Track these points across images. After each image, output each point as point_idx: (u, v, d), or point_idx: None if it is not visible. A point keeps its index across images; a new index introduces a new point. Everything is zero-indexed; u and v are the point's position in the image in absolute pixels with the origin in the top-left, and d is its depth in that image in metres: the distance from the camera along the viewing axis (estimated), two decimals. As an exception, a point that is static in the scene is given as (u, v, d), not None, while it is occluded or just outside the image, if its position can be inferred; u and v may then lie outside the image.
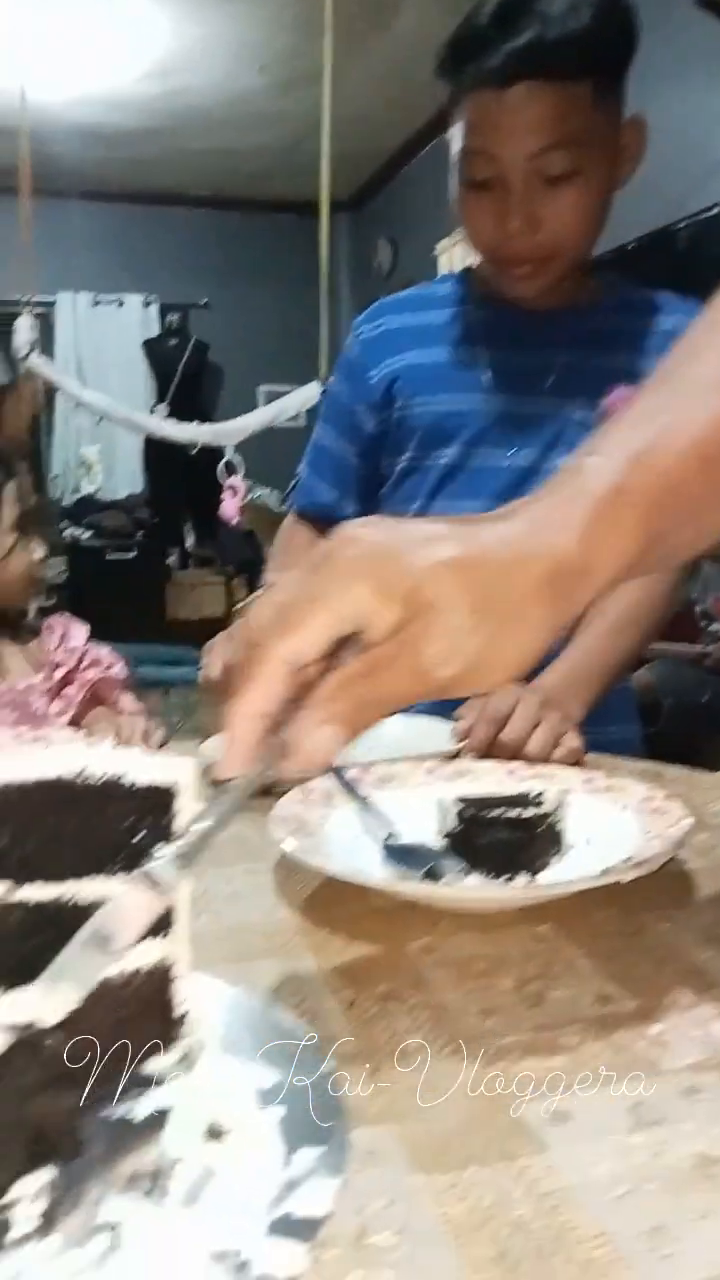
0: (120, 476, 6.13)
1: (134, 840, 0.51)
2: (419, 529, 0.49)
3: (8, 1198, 0.41)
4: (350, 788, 0.77)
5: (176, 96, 4.92)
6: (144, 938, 0.52)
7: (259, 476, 5.36)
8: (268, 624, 0.47)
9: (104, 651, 1.32)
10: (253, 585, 6.30)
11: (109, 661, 1.30)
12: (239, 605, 6.10)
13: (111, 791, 0.50)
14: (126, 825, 0.50)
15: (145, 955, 0.52)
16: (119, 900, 0.47)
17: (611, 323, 1.21)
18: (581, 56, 1.03)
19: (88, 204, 5.84)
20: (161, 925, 0.53)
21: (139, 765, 0.51)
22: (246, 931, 0.66)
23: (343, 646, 0.47)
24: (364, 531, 0.48)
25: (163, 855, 0.49)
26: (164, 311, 6.29)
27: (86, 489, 5.48)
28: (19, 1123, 0.42)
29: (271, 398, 5.96)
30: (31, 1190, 0.42)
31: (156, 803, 0.51)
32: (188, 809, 0.53)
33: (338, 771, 0.79)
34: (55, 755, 0.49)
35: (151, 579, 5.95)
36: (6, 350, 4.51)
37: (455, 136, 1.10)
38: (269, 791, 0.97)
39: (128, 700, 1.31)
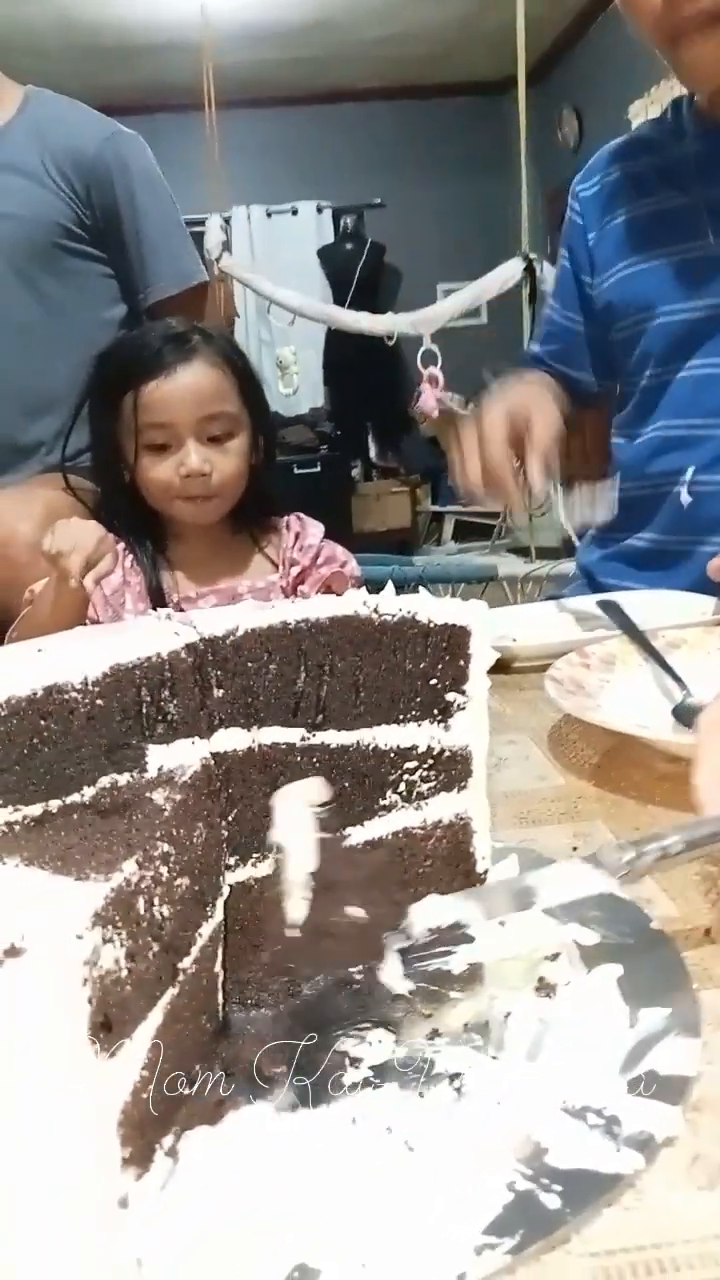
0: (302, 391, 6.13)
1: (429, 683, 0.47)
2: None
3: (342, 1048, 0.39)
4: (650, 646, 0.71)
5: (344, -18, 4.73)
6: (441, 791, 0.49)
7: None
8: None
9: (338, 549, 1.30)
10: (436, 493, 6.22)
11: (342, 559, 1.29)
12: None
13: (406, 630, 0.46)
14: (421, 667, 0.47)
15: (444, 809, 0.49)
16: None
17: None
18: None
19: (256, 111, 5.74)
20: (458, 779, 0.49)
21: (432, 606, 0.47)
22: (527, 797, 0.62)
23: None
24: None
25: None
26: (337, 215, 6.15)
27: (283, 391, 5.40)
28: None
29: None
30: (361, 1037, 0.40)
31: (451, 643, 0.47)
32: (482, 652, 0.48)
33: (637, 629, 0.73)
34: (347, 597, 0.46)
35: (337, 492, 5.94)
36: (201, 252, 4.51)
37: None
38: (507, 668, 0.93)
39: None
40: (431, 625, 0.46)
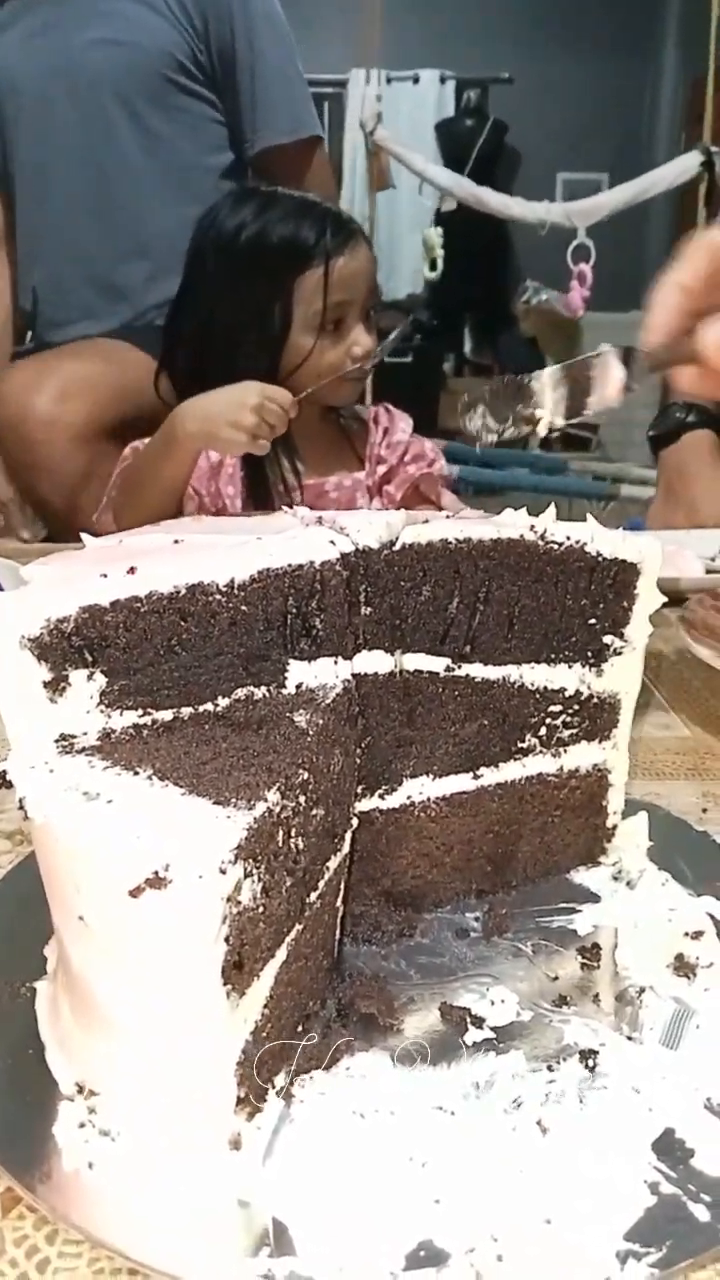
0: (402, 276, 5.90)
1: (588, 622, 0.43)
2: None
3: (462, 1002, 0.37)
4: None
5: None
6: (582, 740, 0.45)
7: (547, 279, 4.98)
8: None
9: (428, 446, 1.23)
10: (529, 397, 5.99)
11: (431, 457, 1.21)
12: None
13: (573, 561, 0.42)
14: (583, 604, 0.43)
15: (583, 758, 0.45)
16: None
17: None
18: None
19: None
20: (603, 729, 0.45)
21: (603, 537, 0.42)
22: (650, 746, 0.58)
23: None
24: None
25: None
26: (461, 88, 5.80)
27: (429, 276, 5.16)
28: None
29: (571, 187, 5.45)
30: (485, 998, 0.37)
31: (619, 581, 0.43)
32: (648, 594, 0.44)
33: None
34: (512, 518, 0.42)
35: (425, 386, 5.74)
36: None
37: None
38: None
39: (449, 499, 1.23)
40: (600, 559, 0.42)
